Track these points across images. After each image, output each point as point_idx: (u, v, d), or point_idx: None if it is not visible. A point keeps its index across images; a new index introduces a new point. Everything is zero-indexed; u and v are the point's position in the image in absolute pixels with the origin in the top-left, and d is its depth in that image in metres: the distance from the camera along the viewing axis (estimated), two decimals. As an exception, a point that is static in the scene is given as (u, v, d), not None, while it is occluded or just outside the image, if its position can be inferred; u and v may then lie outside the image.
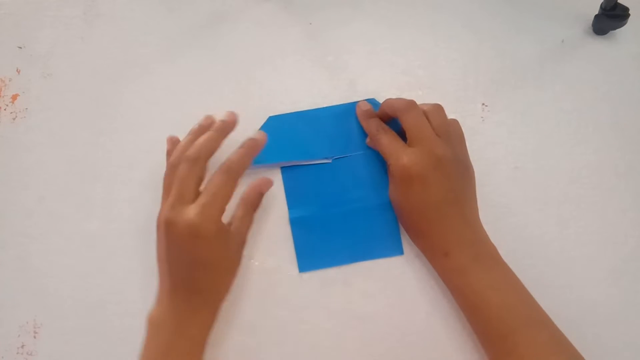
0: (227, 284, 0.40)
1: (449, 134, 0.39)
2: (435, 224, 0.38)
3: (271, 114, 0.45)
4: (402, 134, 0.40)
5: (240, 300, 0.42)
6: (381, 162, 0.43)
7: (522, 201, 0.43)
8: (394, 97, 0.46)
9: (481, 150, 0.44)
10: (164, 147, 0.45)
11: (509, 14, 0.48)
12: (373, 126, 0.42)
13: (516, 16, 0.48)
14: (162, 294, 0.38)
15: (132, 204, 0.44)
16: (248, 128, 0.45)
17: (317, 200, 0.43)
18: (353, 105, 0.45)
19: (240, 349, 0.41)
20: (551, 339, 0.35)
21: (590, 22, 0.47)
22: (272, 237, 0.43)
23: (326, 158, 0.44)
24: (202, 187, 0.37)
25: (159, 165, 0.45)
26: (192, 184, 0.36)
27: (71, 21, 0.49)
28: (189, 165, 0.37)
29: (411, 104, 0.39)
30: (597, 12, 0.45)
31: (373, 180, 0.43)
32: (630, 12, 0.44)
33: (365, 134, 0.43)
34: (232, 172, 0.37)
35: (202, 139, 0.38)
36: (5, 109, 0.47)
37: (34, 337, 0.42)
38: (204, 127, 0.40)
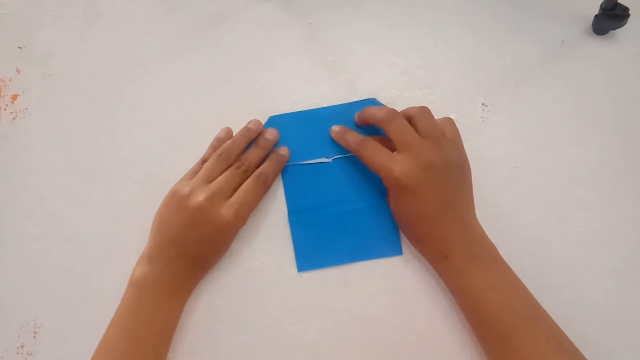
0: (220, 255, 0.42)
1: (437, 137, 0.38)
2: (433, 229, 0.38)
3: (271, 114, 0.45)
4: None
5: (239, 300, 0.42)
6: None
7: (522, 201, 0.43)
8: (394, 97, 0.46)
9: (481, 150, 0.44)
10: (164, 147, 0.46)
11: (509, 14, 0.48)
12: (352, 142, 0.41)
13: (516, 16, 0.48)
14: (156, 257, 0.39)
15: (132, 204, 0.44)
16: (248, 128, 0.45)
17: (316, 200, 0.43)
18: (353, 105, 0.45)
19: (240, 348, 0.41)
20: (552, 338, 0.35)
21: (590, 22, 0.47)
22: (272, 237, 0.43)
23: (326, 158, 0.44)
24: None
25: (159, 165, 0.45)
26: (234, 185, 0.40)
27: (71, 21, 0.49)
28: (239, 173, 0.41)
29: (392, 113, 0.39)
30: (597, 12, 0.45)
31: (372, 180, 0.43)
32: (630, 12, 0.44)
33: (365, 134, 0.43)
34: (267, 183, 0.42)
35: (253, 153, 0.42)
36: (5, 109, 0.47)
37: (34, 337, 0.42)
38: (253, 131, 0.43)
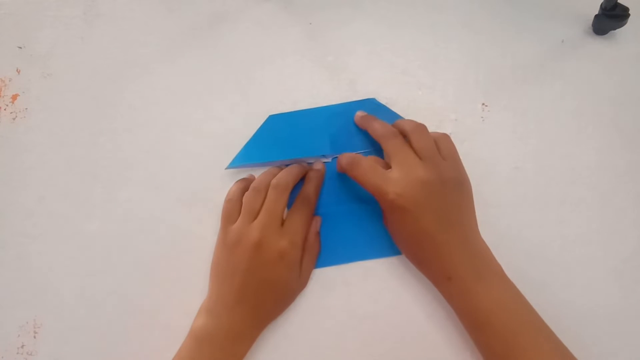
0: (285, 306, 0.41)
1: (433, 156, 0.37)
2: (434, 251, 0.37)
3: (271, 114, 0.45)
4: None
5: (240, 300, 0.42)
6: (381, 162, 0.43)
7: (522, 201, 0.43)
8: (394, 97, 0.46)
9: (481, 150, 0.44)
10: (163, 147, 0.46)
11: (509, 14, 0.48)
12: (343, 162, 0.40)
13: (516, 16, 0.48)
14: (216, 307, 0.39)
15: (132, 204, 0.44)
16: (248, 127, 0.45)
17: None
18: (353, 105, 0.45)
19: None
20: (555, 352, 0.35)
21: (590, 22, 0.47)
22: (272, 237, 0.43)
23: (325, 157, 0.44)
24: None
25: (159, 165, 0.45)
26: (280, 210, 0.40)
27: (71, 21, 0.49)
28: (278, 193, 0.40)
29: (392, 132, 0.39)
30: (597, 12, 0.45)
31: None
32: (630, 12, 0.44)
33: (365, 133, 0.43)
34: (311, 204, 0.42)
35: (287, 171, 0.42)
36: (5, 109, 0.47)
37: (34, 337, 0.42)
38: (281, 167, 0.44)
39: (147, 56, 0.48)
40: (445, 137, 0.40)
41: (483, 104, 0.46)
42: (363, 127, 0.42)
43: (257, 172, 0.44)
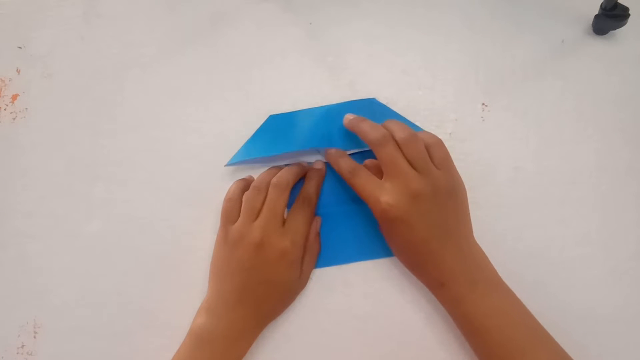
0: (285, 306, 0.41)
1: (426, 166, 0.37)
2: (427, 259, 0.37)
3: (271, 114, 0.45)
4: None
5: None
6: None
7: (522, 201, 0.43)
8: (394, 97, 0.46)
9: (481, 150, 0.44)
10: (163, 147, 0.46)
11: (509, 14, 0.48)
12: (344, 168, 0.40)
13: (516, 16, 0.48)
14: (216, 306, 0.39)
15: (132, 204, 0.44)
16: (248, 127, 0.45)
17: (316, 200, 0.43)
18: (353, 104, 0.45)
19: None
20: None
21: (590, 22, 0.47)
22: (272, 237, 0.43)
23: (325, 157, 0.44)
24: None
25: (159, 165, 0.45)
26: (281, 209, 0.40)
27: (71, 21, 0.49)
28: (278, 192, 0.40)
29: (385, 138, 0.37)
30: (597, 12, 0.45)
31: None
32: (630, 12, 0.44)
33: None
34: (312, 203, 0.42)
35: (287, 170, 0.42)
36: (5, 109, 0.47)
37: (34, 337, 0.42)
38: (281, 167, 0.43)
39: (147, 56, 0.48)
40: (439, 144, 0.39)
41: (483, 104, 0.46)
42: (353, 130, 0.41)
43: (257, 172, 0.44)
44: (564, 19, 0.48)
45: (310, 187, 0.42)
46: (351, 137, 0.44)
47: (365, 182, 0.38)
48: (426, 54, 0.47)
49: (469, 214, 0.39)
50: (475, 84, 0.46)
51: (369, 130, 0.38)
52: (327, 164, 0.44)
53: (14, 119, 0.47)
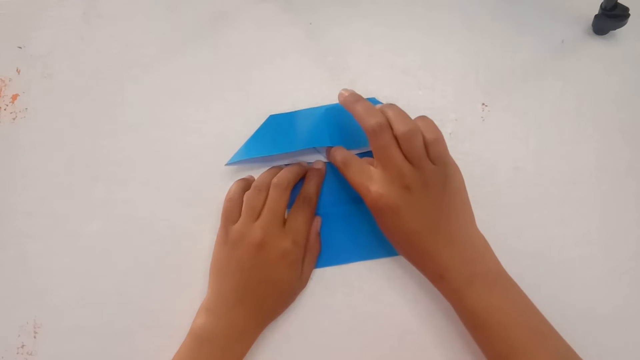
0: (286, 306, 0.41)
1: (420, 160, 0.36)
2: (423, 250, 0.37)
3: (271, 114, 0.45)
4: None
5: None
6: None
7: (522, 201, 0.43)
8: (394, 97, 0.46)
9: (481, 150, 0.44)
10: (163, 147, 0.46)
11: (509, 14, 0.48)
12: (338, 159, 0.40)
13: (516, 16, 0.48)
14: (216, 306, 0.38)
15: (132, 204, 0.44)
16: (248, 127, 0.45)
17: (317, 200, 0.43)
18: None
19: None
20: (556, 356, 0.35)
21: (590, 22, 0.47)
22: (272, 237, 0.43)
23: (325, 157, 0.44)
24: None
25: (159, 165, 0.45)
26: (282, 209, 0.40)
27: (71, 21, 0.49)
28: (279, 192, 0.40)
29: (380, 126, 0.36)
30: (597, 12, 0.45)
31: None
32: (630, 12, 0.44)
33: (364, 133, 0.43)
34: (313, 203, 0.42)
35: (288, 170, 0.42)
36: (5, 109, 0.47)
37: (34, 337, 0.42)
38: (281, 167, 0.43)
39: (147, 56, 0.48)
40: (437, 141, 0.37)
41: (483, 104, 0.46)
42: (347, 109, 0.39)
43: (257, 172, 0.44)
44: (564, 19, 0.48)
45: (310, 187, 0.42)
46: (351, 136, 0.44)
47: (357, 171, 0.38)
48: (426, 54, 0.47)
49: (468, 202, 0.38)
50: (475, 84, 0.46)
51: (365, 114, 0.37)
52: (327, 164, 0.44)
53: (14, 119, 0.47)
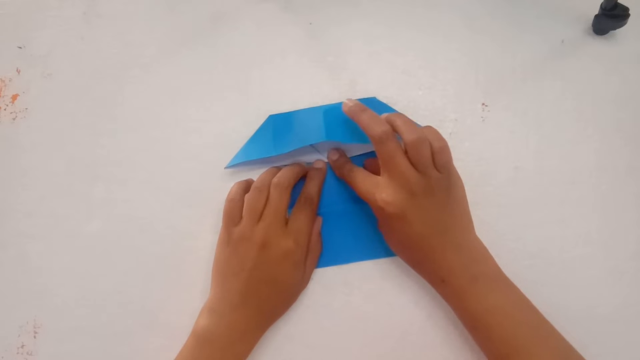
0: (288, 306, 0.41)
1: (426, 168, 0.36)
2: (426, 255, 0.37)
3: (271, 114, 0.45)
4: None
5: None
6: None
7: (522, 201, 0.43)
8: (394, 97, 0.46)
9: (481, 150, 0.44)
10: (163, 147, 0.46)
11: (509, 13, 0.48)
12: (342, 166, 0.41)
13: (516, 16, 0.48)
14: (219, 306, 0.38)
15: (132, 204, 0.44)
16: (248, 127, 0.45)
17: (317, 200, 0.43)
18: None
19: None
20: (557, 355, 0.35)
21: (590, 22, 0.47)
22: (272, 237, 0.43)
23: (325, 157, 0.44)
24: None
25: (159, 165, 0.45)
26: (284, 209, 0.40)
27: (71, 21, 0.49)
28: (280, 192, 0.40)
29: (386, 134, 0.36)
30: (597, 12, 0.45)
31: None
32: (630, 12, 0.44)
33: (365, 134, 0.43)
34: (314, 203, 0.42)
35: (288, 169, 0.42)
36: (5, 109, 0.47)
37: (34, 337, 0.42)
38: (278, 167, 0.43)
39: (147, 56, 0.48)
40: (444, 149, 0.37)
41: (483, 104, 0.46)
42: (352, 119, 0.39)
43: (257, 174, 0.44)
44: (564, 19, 0.48)
45: (311, 186, 0.42)
46: (352, 136, 0.44)
47: (362, 180, 0.39)
48: (426, 54, 0.47)
49: (468, 209, 0.39)
50: (475, 84, 0.46)
51: (370, 123, 0.37)
52: (328, 164, 0.44)
53: (14, 119, 0.47)
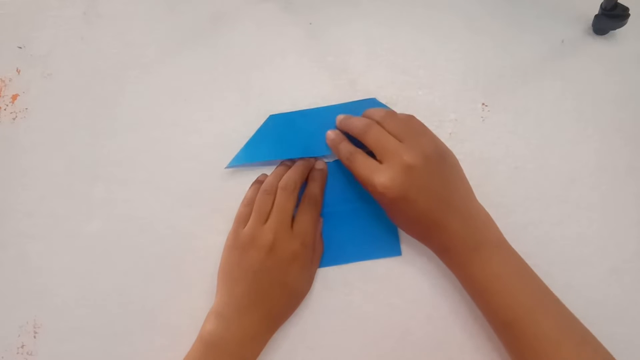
0: (295, 307, 0.41)
1: (410, 134, 0.38)
2: (430, 228, 0.37)
3: (271, 114, 0.45)
4: None
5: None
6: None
7: (522, 201, 0.43)
8: (394, 97, 0.46)
9: (481, 150, 0.44)
10: (163, 147, 0.46)
11: (509, 14, 0.48)
12: (343, 152, 0.41)
13: (516, 16, 0.48)
14: (227, 310, 0.38)
15: (132, 204, 0.44)
16: (248, 127, 0.45)
17: (317, 200, 0.43)
18: (353, 105, 0.45)
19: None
20: (558, 323, 0.35)
21: (590, 22, 0.47)
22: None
23: (325, 158, 0.44)
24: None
25: (159, 165, 0.45)
26: (290, 211, 0.40)
27: (71, 21, 0.49)
28: (287, 194, 0.40)
29: (367, 124, 0.39)
30: (597, 12, 0.45)
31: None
32: (630, 12, 0.44)
33: None
34: (318, 203, 0.42)
35: (294, 171, 0.42)
36: (5, 109, 0.47)
37: (34, 337, 0.42)
38: (287, 165, 0.44)
39: (147, 56, 0.48)
40: (412, 117, 0.40)
41: (483, 104, 0.46)
42: (346, 130, 0.42)
43: (257, 172, 0.44)
44: (564, 19, 0.48)
45: (314, 187, 0.42)
46: (352, 138, 0.44)
47: (361, 165, 0.39)
48: (426, 54, 0.47)
49: (464, 176, 0.39)
50: (475, 83, 0.46)
51: (354, 123, 0.40)
52: (328, 164, 0.44)
53: (14, 119, 0.47)
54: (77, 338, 0.42)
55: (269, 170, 0.44)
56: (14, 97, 0.48)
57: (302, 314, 0.42)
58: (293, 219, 0.41)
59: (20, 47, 0.49)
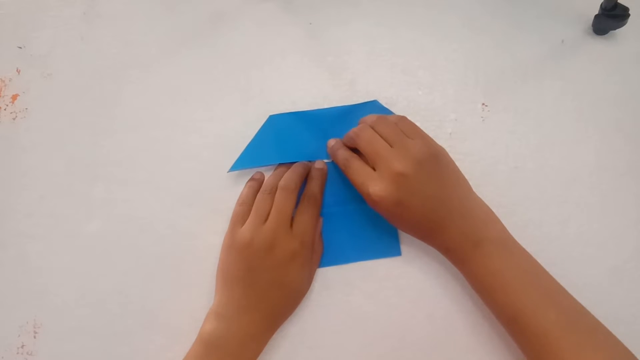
0: (295, 307, 0.41)
1: (400, 138, 0.38)
2: (430, 229, 0.38)
3: (271, 114, 0.45)
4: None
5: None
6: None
7: (522, 201, 0.43)
8: (394, 97, 0.46)
9: (481, 150, 0.44)
10: (163, 147, 0.46)
11: (509, 14, 0.48)
12: (340, 158, 0.41)
13: (516, 16, 0.48)
14: (226, 310, 0.38)
15: (132, 204, 0.44)
16: (248, 127, 0.45)
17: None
18: (353, 107, 0.45)
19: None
20: (563, 316, 0.35)
21: (590, 22, 0.47)
22: (272, 237, 0.43)
23: (325, 158, 0.44)
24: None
25: (159, 165, 0.45)
26: (289, 211, 0.40)
27: (71, 21, 0.49)
28: (286, 194, 0.40)
29: (361, 129, 0.40)
30: (597, 12, 0.45)
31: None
32: (630, 12, 0.44)
33: None
34: (318, 203, 0.42)
35: (293, 172, 0.42)
36: (5, 109, 0.47)
37: (34, 337, 0.42)
38: (287, 166, 0.44)
39: (147, 56, 0.48)
40: (403, 118, 0.41)
41: (483, 104, 0.46)
42: (350, 144, 0.42)
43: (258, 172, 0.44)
44: (564, 19, 0.48)
45: (314, 187, 0.42)
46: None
47: (356, 172, 0.39)
48: (426, 54, 0.47)
49: (460, 173, 0.40)
50: (475, 84, 0.46)
51: (351, 133, 0.41)
52: (328, 164, 0.44)
53: (14, 119, 0.47)
54: (77, 338, 0.42)
55: (269, 171, 0.44)
56: (14, 97, 0.48)
57: (302, 314, 0.42)
58: (293, 218, 0.41)
59: (20, 47, 0.49)
